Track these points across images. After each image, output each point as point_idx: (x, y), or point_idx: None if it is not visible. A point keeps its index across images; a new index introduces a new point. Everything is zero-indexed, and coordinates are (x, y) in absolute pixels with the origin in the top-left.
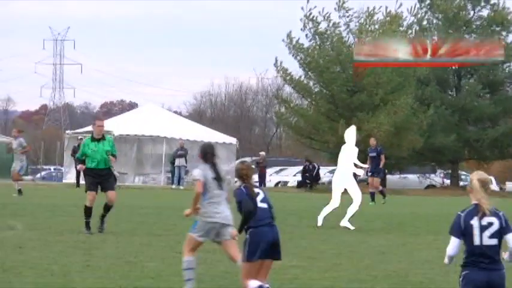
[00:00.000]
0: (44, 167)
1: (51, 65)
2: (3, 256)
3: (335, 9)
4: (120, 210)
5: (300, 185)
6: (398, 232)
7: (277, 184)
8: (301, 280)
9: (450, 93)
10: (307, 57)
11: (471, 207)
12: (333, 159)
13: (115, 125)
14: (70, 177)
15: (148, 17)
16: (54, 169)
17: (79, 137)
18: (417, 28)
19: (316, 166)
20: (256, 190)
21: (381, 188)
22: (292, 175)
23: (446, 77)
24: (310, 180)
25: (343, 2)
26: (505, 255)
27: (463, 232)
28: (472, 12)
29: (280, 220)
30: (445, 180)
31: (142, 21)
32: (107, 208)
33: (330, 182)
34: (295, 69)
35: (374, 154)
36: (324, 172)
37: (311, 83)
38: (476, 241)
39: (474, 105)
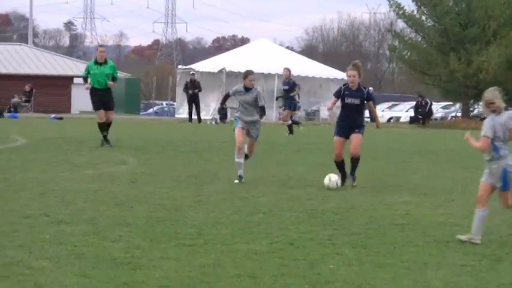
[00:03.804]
0: (156, 102)
1: None
2: (116, 191)
3: None
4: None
5: (412, 120)
6: None
7: (389, 120)
8: (413, 216)
9: None
10: None
11: None
12: (445, 95)
13: (227, 61)
14: (182, 112)
15: None
16: (167, 104)
17: (191, 72)
18: None
19: (429, 102)
20: None
21: (290, 121)
22: (404, 111)
23: None
24: (422, 116)
25: None
26: None
27: None
28: None
29: (391, 156)
30: None
31: None
32: (107, 126)
33: (442, 118)
34: (408, 4)
35: (287, 87)
36: (436, 108)
37: (423, 18)
38: None
39: None
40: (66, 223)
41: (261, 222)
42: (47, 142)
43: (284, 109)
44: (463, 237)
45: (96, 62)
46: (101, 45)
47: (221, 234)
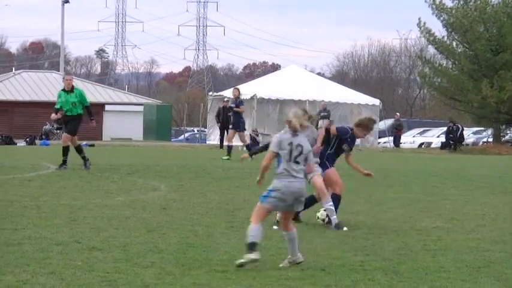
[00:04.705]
0: (188, 128)
1: (194, 27)
2: (148, 217)
3: None
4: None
5: (443, 146)
6: None
7: (420, 145)
8: (445, 241)
9: None
10: (451, 17)
11: None
12: (477, 121)
13: (258, 87)
14: (213, 139)
15: None
16: (198, 131)
17: (225, 99)
18: None
19: (460, 127)
20: None
21: (232, 144)
22: (435, 136)
23: None
24: (454, 141)
25: None
26: None
27: None
28: None
29: (423, 181)
30: None
31: None
32: (77, 150)
33: (473, 143)
34: (439, 30)
35: (233, 105)
36: (467, 133)
37: (454, 44)
38: None
39: None
40: (98, 250)
41: None
42: (78, 169)
43: (235, 131)
44: (285, 264)
45: (64, 90)
46: (67, 74)
47: None
